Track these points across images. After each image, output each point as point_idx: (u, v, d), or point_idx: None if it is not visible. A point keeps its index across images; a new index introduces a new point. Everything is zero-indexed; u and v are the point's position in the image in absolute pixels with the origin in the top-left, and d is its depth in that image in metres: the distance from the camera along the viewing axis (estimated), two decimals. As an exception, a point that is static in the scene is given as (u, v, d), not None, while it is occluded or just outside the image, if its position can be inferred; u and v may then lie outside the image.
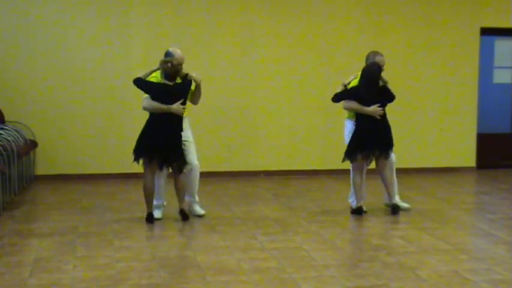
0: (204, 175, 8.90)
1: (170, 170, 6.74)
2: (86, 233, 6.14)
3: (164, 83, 6.55)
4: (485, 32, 10.13)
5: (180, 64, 6.56)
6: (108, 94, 9.14)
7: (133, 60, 9.17)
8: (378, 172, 7.04)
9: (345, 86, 6.95)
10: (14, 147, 7.53)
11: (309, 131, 9.71)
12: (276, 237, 6.00)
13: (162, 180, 6.82)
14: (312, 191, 8.42)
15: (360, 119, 6.91)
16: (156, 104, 6.51)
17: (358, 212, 6.93)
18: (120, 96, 9.16)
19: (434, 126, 9.97)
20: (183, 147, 6.59)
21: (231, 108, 9.36)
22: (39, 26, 8.92)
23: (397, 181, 7.20)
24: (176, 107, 6.47)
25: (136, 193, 8.17)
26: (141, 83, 6.62)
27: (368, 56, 7.00)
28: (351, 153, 6.97)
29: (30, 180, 8.74)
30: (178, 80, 6.61)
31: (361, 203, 7.01)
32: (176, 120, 6.53)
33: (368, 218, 6.89)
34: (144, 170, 6.66)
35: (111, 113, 9.16)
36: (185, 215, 6.63)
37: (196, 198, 6.91)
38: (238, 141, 9.37)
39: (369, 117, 6.85)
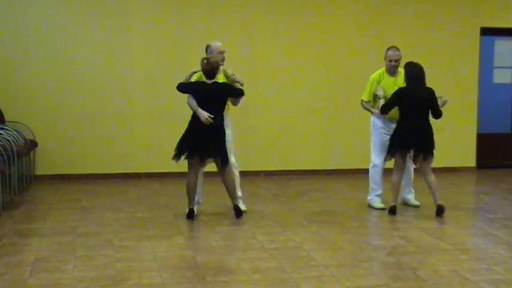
0: (204, 175, 8.93)
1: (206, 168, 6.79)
2: (86, 233, 6.13)
3: (203, 82, 6.58)
4: (485, 32, 10.13)
5: (217, 62, 6.56)
6: (108, 94, 9.14)
7: (133, 61, 9.17)
8: (420, 174, 6.99)
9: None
10: (14, 147, 7.53)
11: (309, 131, 9.71)
12: (276, 237, 5.99)
13: (199, 178, 6.82)
14: (312, 191, 8.42)
15: (402, 117, 6.87)
16: (191, 102, 6.57)
17: (392, 211, 6.89)
18: (120, 96, 9.16)
19: (434, 126, 9.94)
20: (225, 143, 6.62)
21: (231, 108, 9.34)
22: (39, 26, 8.92)
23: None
24: (201, 113, 6.45)
25: (136, 193, 8.19)
26: (182, 87, 6.65)
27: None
28: (390, 150, 6.94)
29: (30, 180, 8.74)
30: (222, 79, 6.64)
31: (396, 203, 6.97)
32: (215, 117, 6.51)
33: (368, 218, 6.89)
34: (188, 168, 6.66)
35: (111, 113, 9.16)
36: (239, 212, 6.67)
37: (239, 193, 6.95)
38: (238, 141, 9.35)
39: (411, 116, 6.81)
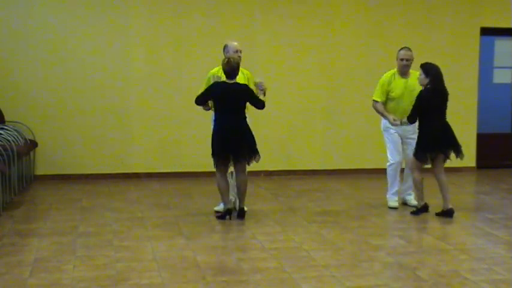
0: (204, 175, 8.93)
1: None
2: (86, 233, 6.14)
3: (223, 81, 6.59)
4: (485, 32, 10.13)
5: (237, 62, 6.60)
6: (108, 94, 9.14)
7: (133, 61, 9.17)
8: (435, 174, 6.98)
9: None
10: (14, 147, 7.53)
11: (309, 131, 9.71)
12: (276, 237, 6.00)
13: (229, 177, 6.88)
14: (312, 191, 8.42)
15: (427, 119, 6.80)
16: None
17: (425, 209, 6.90)
18: (120, 97, 9.16)
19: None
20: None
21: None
22: (39, 26, 8.92)
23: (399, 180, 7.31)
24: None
25: (136, 193, 8.18)
26: (199, 100, 6.65)
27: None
28: (421, 155, 6.85)
29: (30, 180, 8.74)
30: (241, 79, 6.69)
31: (425, 201, 6.97)
32: (237, 117, 6.56)
33: (368, 218, 6.89)
34: (218, 170, 6.62)
35: (111, 113, 9.15)
36: (243, 215, 6.67)
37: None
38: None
39: (437, 117, 6.80)
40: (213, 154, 6.59)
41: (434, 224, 6.62)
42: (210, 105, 6.71)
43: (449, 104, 9.88)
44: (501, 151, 10.53)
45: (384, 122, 7.28)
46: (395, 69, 7.20)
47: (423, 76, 6.74)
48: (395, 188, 7.28)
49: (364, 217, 6.92)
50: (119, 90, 9.16)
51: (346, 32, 9.68)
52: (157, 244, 5.74)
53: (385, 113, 7.12)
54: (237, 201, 6.85)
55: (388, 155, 7.28)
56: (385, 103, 7.18)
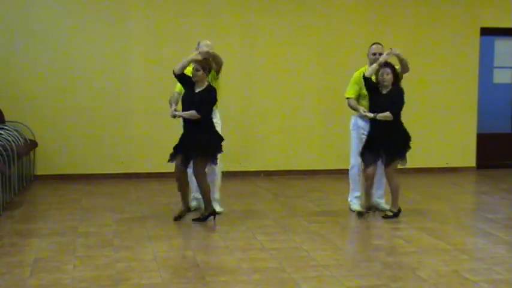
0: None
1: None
2: (86, 233, 6.14)
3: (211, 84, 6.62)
4: (485, 32, 10.13)
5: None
6: (108, 94, 9.14)
7: (133, 61, 9.17)
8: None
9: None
10: (14, 147, 7.53)
11: (309, 131, 9.70)
12: (276, 237, 6.00)
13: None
14: (312, 191, 8.42)
15: (400, 118, 6.80)
16: None
17: (398, 214, 6.86)
18: (120, 97, 9.16)
19: (434, 126, 9.97)
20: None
21: (231, 108, 9.34)
22: (40, 26, 8.92)
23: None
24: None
25: (136, 193, 8.18)
26: (209, 108, 6.60)
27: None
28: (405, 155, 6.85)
29: (30, 180, 8.74)
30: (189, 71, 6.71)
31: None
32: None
33: (368, 218, 6.89)
34: (204, 171, 6.59)
35: (111, 113, 9.16)
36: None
37: (216, 195, 6.93)
38: (238, 141, 9.36)
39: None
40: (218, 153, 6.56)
41: (434, 224, 6.62)
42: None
43: (449, 103, 10.03)
44: (501, 151, 10.53)
45: (353, 121, 7.21)
46: (366, 66, 7.06)
47: (391, 76, 6.70)
48: (357, 193, 7.16)
49: (364, 217, 6.91)
50: (119, 90, 9.16)
51: (345, 32, 9.68)
52: (157, 244, 5.74)
53: (357, 106, 6.95)
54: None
55: (351, 157, 7.19)
56: (358, 101, 7.07)
